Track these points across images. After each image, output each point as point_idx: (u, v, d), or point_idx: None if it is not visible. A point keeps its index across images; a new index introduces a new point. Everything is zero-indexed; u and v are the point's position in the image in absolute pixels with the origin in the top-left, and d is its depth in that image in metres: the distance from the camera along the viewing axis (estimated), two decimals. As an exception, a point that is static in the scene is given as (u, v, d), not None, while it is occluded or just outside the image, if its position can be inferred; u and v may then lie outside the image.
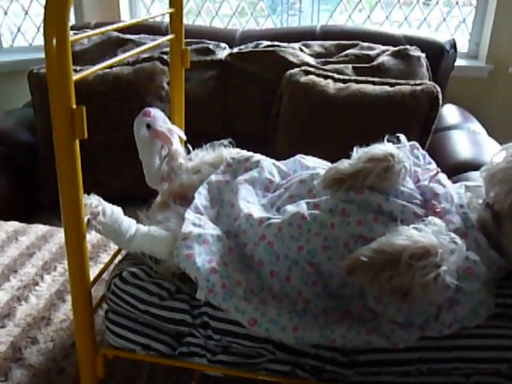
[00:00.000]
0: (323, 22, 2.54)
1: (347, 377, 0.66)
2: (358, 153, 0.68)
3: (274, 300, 0.65)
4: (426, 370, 0.63)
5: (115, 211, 0.69)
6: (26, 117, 2.06)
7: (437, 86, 1.77)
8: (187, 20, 2.57)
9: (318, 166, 0.78)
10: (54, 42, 0.53)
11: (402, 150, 0.69)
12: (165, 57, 1.93)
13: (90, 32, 0.66)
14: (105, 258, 1.05)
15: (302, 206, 0.68)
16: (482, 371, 0.63)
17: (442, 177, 0.70)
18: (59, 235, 1.16)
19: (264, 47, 1.99)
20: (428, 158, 0.75)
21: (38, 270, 1.03)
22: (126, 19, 2.51)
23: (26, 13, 2.47)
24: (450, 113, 2.10)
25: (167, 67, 1.88)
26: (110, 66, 1.84)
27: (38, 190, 1.94)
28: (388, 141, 0.69)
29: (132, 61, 1.91)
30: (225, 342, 0.67)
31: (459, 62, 2.29)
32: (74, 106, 0.56)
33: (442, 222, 0.64)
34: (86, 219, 0.63)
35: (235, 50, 2.02)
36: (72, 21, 2.53)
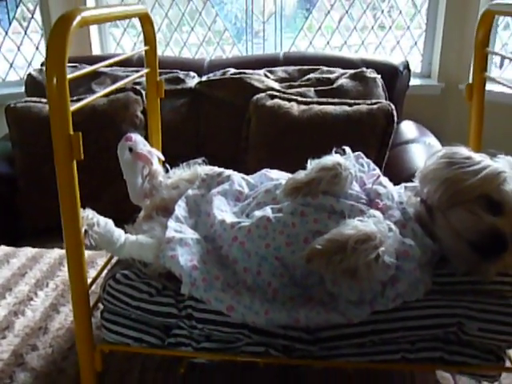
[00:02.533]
0: (286, 48, 2.69)
1: (313, 352, 0.77)
2: (312, 164, 0.81)
3: (248, 291, 0.76)
4: (378, 340, 0.75)
5: (108, 223, 0.80)
6: (3, 149, 2.13)
7: (391, 104, 1.93)
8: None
9: (280, 177, 0.90)
10: (55, 80, 0.64)
11: (348, 160, 0.82)
12: (137, 87, 2.04)
13: (84, 70, 0.77)
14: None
15: (267, 211, 0.80)
16: (423, 337, 0.75)
17: (384, 179, 0.84)
18: (48, 255, 1.25)
19: (231, 74, 2.13)
20: (372, 165, 0.88)
21: (31, 287, 1.12)
22: (98, 52, 2.62)
23: (-1, 49, 2.56)
24: (407, 128, 2.25)
25: (140, 97, 1.99)
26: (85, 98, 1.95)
27: (19, 219, 2.01)
28: (336, 152, 0.82)
29: (107, 92, 2.02)
30: (207, 330, 0.78)
31: (414, 82, 2.47)
32: (72, 133, 0.67)
33: (385, 216, 0.77)
34: (83, 230, 0.74)
35: (204, 78, 2.15)
36: (44, 56, 2.63)
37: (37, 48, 2.69)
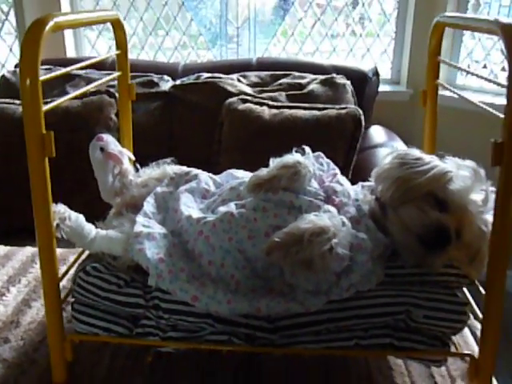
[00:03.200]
0: (260, 53, 2.75)
1: (273, 341, 0.82)
2: (273, 162, 0.86)
3: (212, 283, 0.80)
4: (333, 328, 0.80)
5: (79, 217, 0.83)
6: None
7: (359, 109, 2.00)
8: (131, 54, 2.72)
9: (245, 176, 0.95)
10: (28, 81, 0.68)
11: (307, 159, 0.87)
12: (111, 90, 2.06)
13: (58, 71, 0.80)
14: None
15: (231, 206, 0.85)
16: (375, 325, 0.80)
17: (341, 178, 0.89)
18: (20, 253, 1.28)
19: (205, 79, 2.17)
20: (332, 165, 0.94)
21: (3, 283, 1.15)
22: (72, 54, 2.64)
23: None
24: (376, 133, 2.32)
25: (114, 99, 2.02)
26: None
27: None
28: (296, 152, 0.88)
29: (80, 94, 2.04)
30: (173, 320, 0.82)
31: (384, 88, 2.54)
32: (44, 132, 0.71)
33: (340, 212, 0.82)
34: (55, 224, 0.78)
35: (178, 81, 2.19)
36: (18, 58, 2.63)
37: (10, 50, 2.69)
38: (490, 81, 0.76)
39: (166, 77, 2.24)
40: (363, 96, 2.24)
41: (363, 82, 2.25)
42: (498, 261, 0.74)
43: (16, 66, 2.35)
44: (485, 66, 2.47)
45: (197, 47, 2.76)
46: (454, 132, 2.27)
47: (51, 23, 0.71)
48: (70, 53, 2.64)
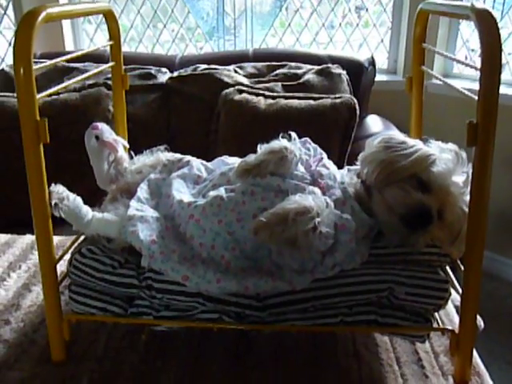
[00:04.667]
0: (257, 45, 2.77)
1: (262, 318, 0.85)
2: (261, 148, 0.89)
3: (203, 263, 0.83)
4: (319, 306, 0.83)
5: (76, 198, 0.87)
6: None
7: (354, 99, 2.02)
8: (129, 47, 2.75)
9: (236, 162, 0.98)
10: (22, 71, 0.71)
11: (294, 144, 0.90)
12: (109, 82, 2.09)
13: (49, 62, 0.83)
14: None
15: (221, 191, 0.88)
16: (359, 302, 0.84)
17: (328, 162, 0.92)
18: (20, 241, 1.31)
19: (202, 70, 2.20)
20: (319, 150, 0.96)
21: (4, 269, 1.18)
22: (71, 48, 2.67)
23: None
24: (372, 122, 2.34)
25: (112, 92, 2.05)
26: (57, 93, 1.99)
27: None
28: (283, 137, 0.91)
29: (78, 87, 2.07)
30: (166, 300, 0.85)
31: (380, 78, 2.56)
32: (38, 118, 0.74)
33: (326, 194, 0.85)
34: (53, 202, 0.81)
35: (175, 73, 2.22)
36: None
37: (10, 44, 2.72)
38: (466, 64, 0.79)
39: (163, 69, 2.27)
40: (359, 86, 2.26)
41: (359, 71, 2.27)
42: (474, 238, 0.76)
43: (15, 60, 2.37)
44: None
45: (194, 39, 2.78)
46: (444, 117, 2.29)
47: (43, 14, 0.74)
48: (69, 46, 2.66)
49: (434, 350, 0.92)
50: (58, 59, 0.88)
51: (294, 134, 0.93)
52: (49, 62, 0.86)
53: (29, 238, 1.32)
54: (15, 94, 2.12)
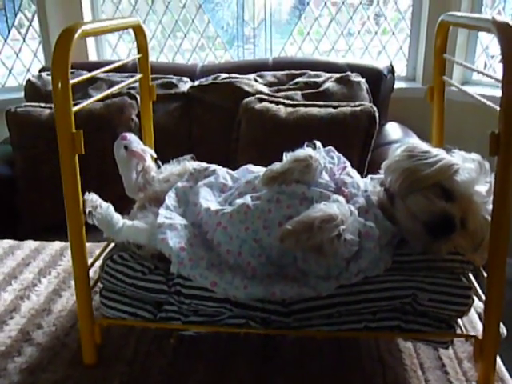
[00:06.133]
0: (276, 53, 2.80)
1: (288, 324, 0.87)
2: (286, 156, 0.92)
3: (230, 270, 0.86)
4: (344, 311, 0.85)
5: (109, 206, 0.90)
6: (4, 153, 2.22)
7: (374, 106, 2.04)
8: (150, 57, 2.80)
9: (260, 171, 1.01)
10: (59, 85, 0.75)
11: (318, 152, 0.92)
12: (132, 92, 2.13)
13: (85, 75, 0.87)
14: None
15: (247, 199, 0.91)
16: (383, 308, 0.85)
17: (351, 170, 0.94)
18: (49, 247, 1.35)
19: (222, 79, 2.23)
20: (343, 159, 0.98)
21: (35, 275, 1.22)
22: (94, 58, 2.73)
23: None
24: (392, 130, 2.35)
25: (135, 101, 2.09)
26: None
27: (18, 220, 2.10)
28: (307, 146, 0.93)
29: (103, 97, 2.11)
30: (194, 305, 0.88)
31: (399, 85, 2.57)
32: (74, 130, 0.78)
33: (350, 202, 0.87)
34: (87, 211, 0.85)
35: (196, 82, 2.26)
36: (42, 62, 2.73)
37: (35, 54, 2.79)
38: (485, 74, 0.80)
39: (184, 78, 2.31)
40: (378, 93, 2.27)
41: (378, 79, 2.29)
42: (497, 246, 0.78)
43: (41, 71, 2.44)
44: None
45: (214, 48, 2.82)
46: (464, 124, 2.29)
47: (79, 31, 0.77)
48: (92, 56, 2.73)
49: (458, 356, 0.93)
50: (96, 72, 0.92)
51: (318, 143, 0.95)
52: (86, 76, 0.89)
53: (57, 245, 1.35)
54: (42, 104, 2.19)
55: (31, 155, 2.08)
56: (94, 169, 1.89)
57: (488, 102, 0.80)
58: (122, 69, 2.23)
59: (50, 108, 2.08)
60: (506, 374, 0.89)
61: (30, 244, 1.37)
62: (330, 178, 0.92)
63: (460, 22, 0.92)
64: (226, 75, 2.26)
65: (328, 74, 2.26)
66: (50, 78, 2.31)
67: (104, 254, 0.95)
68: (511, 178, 0.74)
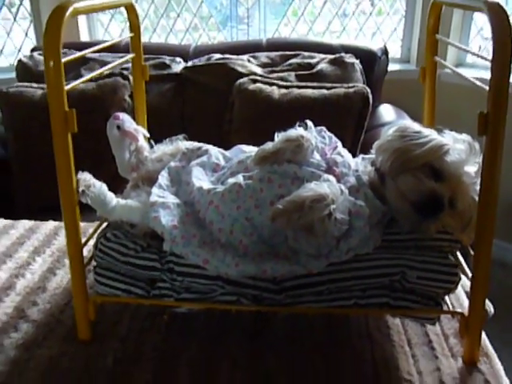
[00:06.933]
0: (270, 34, 2.78)
1: (279, 301, 0.89)
2: (278, 136, 0.92)
3: (222, 248, 0.87)
4: (333, 289, 0.87)
5: (102, 185, 0.91)
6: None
7: (367, 88, 2.03)
8: (143, 37, 2.77)
9: (252, 151, 1.01)
10: (52, 63, 0.75)
11: (310, 132, 0.93)
12: (125, 72, 2.12)
13: (76, 54, 0.87)
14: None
15: (239, 178, 0.91)
16: (372, 285, 0.87)
17: (343, 150, 0.95)
18: (44, 227, 1.36)
19: (216, 60, 2.22)
20: (334, 138, 0.99)
21: (29, 253, 1.23)
22: (86, 38, 2.70)
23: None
24: (385, 111, 2.35)
25: (128, 81, 2.08)
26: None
27: (12, 201, 2.10)
28: (299, 126, 0.94)
29: (95, 77, 2.10)
30: (186, 282, 0.89)
31: (393, 67, 2.57)
32: (67, 109, 0.78)
33: (341, 181, 0.88)
34: (80, 190, 0.85)
35: (190, 63, 2.24)
36: (34, 42, 2.70)
37: (26, 34, 2.76)
38: (478, 55, 0.81)
39: (177, 59, 2.30)
40: (372, 75, 2.27)
41: (372, 60, 2.28)
42: (484, 225, 0.79)
43: (32, 50, 2.41)
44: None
45: (208, 29, 2.80)
46: (456, 106, 2.29)
47: (70, 9, 0.77)
48: (84, 36, 2.70)
49: (444, 332, 0.95)
50: (87, 51, 0.92)
51: (310, 123, 0.96)
52: (78, 54, 0.89)
53: (52, 224, 1.36)
54: (34, 84, 2.17)
55: (24, 136, 2.07)
56: (86, 149, 1.86)
57: (478, 83, 0.81)
58: (114, 49, 2.20)
59: (43, 88, 2.07)
60: (491, 348, 0.91)
61: (25, 223, 1.38)
62: (322, 157, 0.93)
63: (453, 1, 0.92)
64: (219, 56, 2.24)
65: (322, 56, 2.25)
66: (41, 57, 2.29)
67: (97, 232, 0.96)
68: (499, 158, 0.75)
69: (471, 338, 0.86)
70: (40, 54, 2.31)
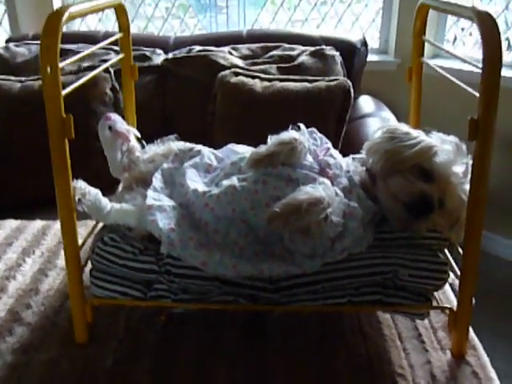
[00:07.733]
0: (249, 24, 2.78)
1: (275, 300, 0.91)
2: (271, 139, 0.94)
3: (218, 249, 0.89)
4: (328, 287, 0.90)
5: (97, 192, 0.91)
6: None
7: (348, 81, 2.05)
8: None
9: (245, 151, 1.03)
10: (49, 69, 0.74)
11: (302, 135, 0.95)
12: (104, 64, 2.08)
13: (75, 57, 0.87)
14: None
15: (234, 180, 0.93)
16: (365, 284, 0.90)
17: (334, 152, 0.97)
18: (31, 226, 1.35)
19: (196, 52, 2.20)
20: (325, 139, 1.01)
21: (18, 254, 1.22)
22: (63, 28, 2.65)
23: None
24: (365, 103, 2.37)
25: (108, 75, 2.06)
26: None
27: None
28: (292, 129, 0.95)
29: (75, 70, 2.07)
30: (184, 283, 0.91)
31: (372, 58, 2.58)
32: (64, 115, 0.78)
33: (334, 183, 0.90)
34: (76, 198, 0.85)
35: (170, 55, 2.22)
36: (8, 33, 2.63)
37: (0, 23, 2.69)
38: (468, 62, 0.83)
39: (157, 50, 2.27)
40: (352, 67, 2.28)
41: (352, 53, 2.30)
42: (473, 224, 0.83)
43: (7, 41, 2.35)
44: (470, 34, 2.53)
45: (189, 16, 2.77)
46: (438, 98, 2.33)
47: (66, 14, 0.77)
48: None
49: (433, 326, 0.99)
50: (84, 53, 0.92)
51: (302, 126, 0.97)
52: (75, 57, 0.89)
53: (39, 224, 1.35)
54: (11, 77, 2.11)
55: (3, 130, 2.03)
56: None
57: (470, 89, 0.83)
58: (92, 40, 2.17)
59: (20, 81, 2.03)
60: (477, 341, 0.95)
61: (11, 223, 1.36)
62: (314, 159, 0.95)
63: (441, 7, 0.94)
64: (200, 48, 2.23)
65: (303, 48, 2.26)
66: (18, 49, 2.24)
67: (93, 234, 0.96)
68: (488, 161, 0.78)
69: (460, 331, 0.89)
70: (16, 46, 2.26)
